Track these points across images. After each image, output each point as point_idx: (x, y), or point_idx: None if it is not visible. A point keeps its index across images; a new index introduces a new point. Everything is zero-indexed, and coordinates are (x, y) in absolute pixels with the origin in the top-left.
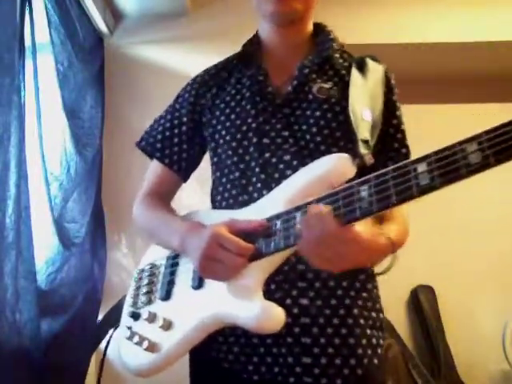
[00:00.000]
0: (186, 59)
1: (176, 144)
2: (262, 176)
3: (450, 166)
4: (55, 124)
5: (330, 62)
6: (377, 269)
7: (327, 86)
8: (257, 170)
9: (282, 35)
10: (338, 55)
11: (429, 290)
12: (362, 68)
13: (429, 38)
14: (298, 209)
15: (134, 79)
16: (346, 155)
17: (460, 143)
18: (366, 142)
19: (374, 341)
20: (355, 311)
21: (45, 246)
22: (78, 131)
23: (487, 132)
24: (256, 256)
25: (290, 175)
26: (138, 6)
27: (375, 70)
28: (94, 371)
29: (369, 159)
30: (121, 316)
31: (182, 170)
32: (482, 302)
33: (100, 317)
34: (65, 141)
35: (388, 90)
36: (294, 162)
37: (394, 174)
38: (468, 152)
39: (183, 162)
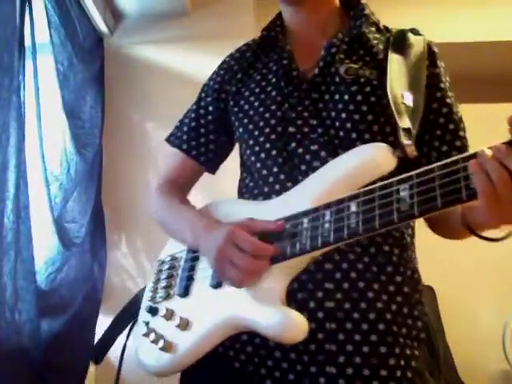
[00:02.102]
0: (186, 59)
1: (202, 135)
2: (286, 168)
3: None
4: (55, 124)
5: (362, 40)
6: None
7: (356, 65)
8: (279, 160)
9: (301, 15)
10: (372, 32)
11: (429, 289)
12: (401, 44)
13: (429, 38)
14: (327, 207)
15: (134, 79)
16: (384, 145)
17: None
18: (407, 130)
19: (407, 351)
20: (388, 316)
21: (45, 246)
22: (78, 131)
23: None
24: (279, 258)
25: (317, 167)
26: (138, 5)
27: (416, 44)
28: (93, 371)
29: (411, 151)
30: (139, 309)
31: (209, 161)
32: (481, 302)
33: (100, 317)
34: (65, 141)
35: (430, 63)
36: (322, 153)
37: (440, 173)
38: None
39: (210, 153)
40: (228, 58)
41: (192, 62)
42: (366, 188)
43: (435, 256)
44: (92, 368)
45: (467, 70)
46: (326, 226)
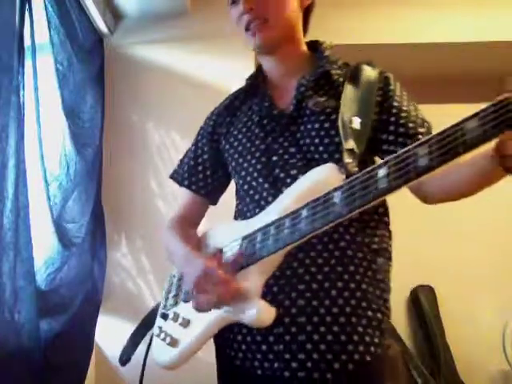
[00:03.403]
0: (186, 59)
1: (200, 171)
2: (272, 191)
3: (448, 145)
4: (55, 124)
5: (326, 77)
6: None
7: (322, 99)
8: (266, 185)
9: (274, 62)
10: (333, 69)
11: (429, 289)
12: (355, 76)
13: (428, 38)
14: (287, 216)
15: (134, 79)
16: (332, 165)
17: (458, 123)
18: (351, 150)
19: (367, 338)
20: (347, 310)
21: (44, 246)
22: (78, 131)
23: (484, 109)
24: (253, 259)
25: None
26: (138, 5)
27: (369, 75)
28: (93, 371)
29: (351, 167)
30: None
31: (209, 193)
32: (482, 302)
33: (100, 317)
34: (64, 141)
35: (382, 86)
36: (299, 176)
37: (362, 178)
38: (467, 129)
39: (209, 186)
40: (219, 105)
41: (192, 62)
42: (314, 198)
43: (435, 256)
44: (92, 368)
45: (465, 69)
46: (286, 231)
